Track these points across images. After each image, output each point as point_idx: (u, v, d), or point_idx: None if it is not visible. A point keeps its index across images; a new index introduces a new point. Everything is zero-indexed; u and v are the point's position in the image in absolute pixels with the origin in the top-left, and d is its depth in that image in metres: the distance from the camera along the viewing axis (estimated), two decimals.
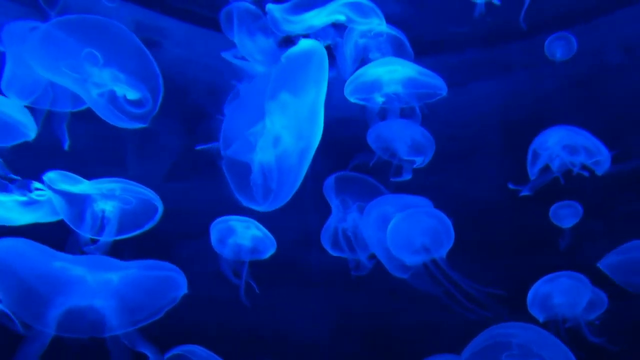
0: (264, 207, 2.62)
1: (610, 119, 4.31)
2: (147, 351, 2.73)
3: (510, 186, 4.15)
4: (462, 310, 3.48)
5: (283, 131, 2.51)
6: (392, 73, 3.90)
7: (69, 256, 2.55)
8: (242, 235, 4.48)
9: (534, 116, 4.42)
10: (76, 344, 2.53)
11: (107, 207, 3.81)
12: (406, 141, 4.08)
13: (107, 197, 3.85)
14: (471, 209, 4.13)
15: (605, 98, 4.33)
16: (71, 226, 3.69)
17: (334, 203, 4.36)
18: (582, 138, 3.97)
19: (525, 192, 4.16)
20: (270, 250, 4.56)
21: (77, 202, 3.80)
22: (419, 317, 3.63)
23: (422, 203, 3.62)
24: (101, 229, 3.78)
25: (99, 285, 2.51)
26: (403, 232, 3.51)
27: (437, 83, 3.86)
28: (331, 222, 4.44)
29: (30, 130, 2.94)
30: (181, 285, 2.66)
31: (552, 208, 4.55)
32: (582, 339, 3.86)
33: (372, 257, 4.26)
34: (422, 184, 3.82)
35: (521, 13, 3.82)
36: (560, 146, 3.97)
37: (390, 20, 3.62)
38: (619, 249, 3.73)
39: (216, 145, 4.64)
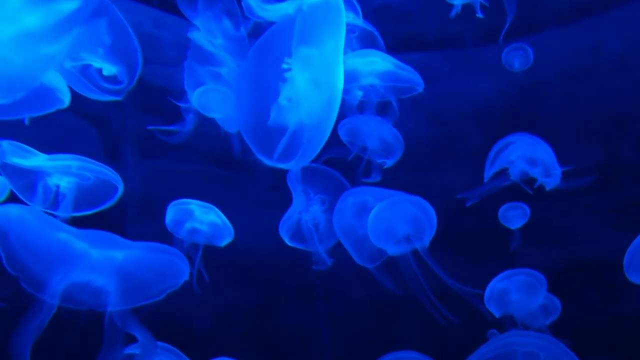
0: (294, 164, 2.57)
1: (600, 118, 4.50)
2: (138, 333, 2.61)
3: (459, 195, 4.25)
4: (433, 308, 3.54)
5: (310, 85, 2.46)
6: (371, 65, 3.91)
7: (74, 229, 2.41)
8: (200, 219, 4.36)
9: (523, 115, 4.56)
10: (73, 320, 2.39)
11: (62, 183, 3.66)
12: (376, 138, 4.11)
13: (63, 173, 3.69)
14: (449, 208, 4.19)
15: (598, 97, 4.52)
16: (21, 198, 3.51)
17: (297, 193, 4.32)
18: (544, 152, 4.12)
19: (472, 202, 4.27)
20: (226, 239, 4.46)
21: (28, 174, 3.63)
22: (418, 315, 3.65)
23: (401, 195, 3.65)
24: (55, 204, 3.62)
25: (102, 261, 2.39)
26: (386, 220, 3.52)
27: (414, 78, 3.91)
28: (292, 212, 4.39)
29: (65, 95, 2.74)
30: (183, 272, 2.58)
31: (501, 210, 4.70)
32: None
33: (331, 251, 4.26)
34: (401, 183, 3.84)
35: (519, 12, 3.94)
36: (524, 159, 4.10)
37: (384, 12, 3.64)
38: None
39: (173, 127, 4.52)
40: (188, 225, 4.35)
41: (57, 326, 2.36)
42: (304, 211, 4.32)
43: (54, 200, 3.66)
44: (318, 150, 2.56)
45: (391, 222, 3.55)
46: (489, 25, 4.10)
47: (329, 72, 2.48)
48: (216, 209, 4.36)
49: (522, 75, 4.44)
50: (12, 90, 1.90)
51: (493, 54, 4.44)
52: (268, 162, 2.57)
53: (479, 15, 3.73)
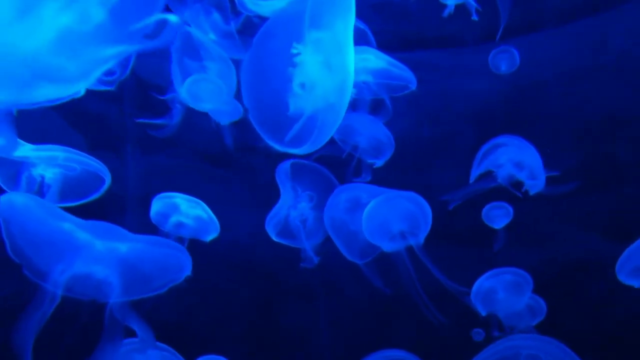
0: (307, 148, 2.53)
1: (598, 118, 4.54)
2: (137, 327, 2.57)
3: (442, 198, 4.25)
4: (425, 307, 3.54)
5: (323, 68, 2.43)
6: (364, 62, 3.91)
7: (78, 219, 2.36)
8: (186, 213, 4.31)
9: (520, 115, 4.58)
10: (73, 315, 2.34)
11: (48, 174, 3.61)
12: (367, 137, 4.09)
13: (49, 163, 3.64)
14: (442, 208, 4.19)
15: (597, 97, 4.54)
16: (4, 187, 3.45)
17: (286, 189, 4.30)
18: (531, 156, 4.14)
19: (455, 203, 4.28)
20: (212, 234, 4.41)
21: (13, 164, 3.57)
22: (419, 314, 3.66)
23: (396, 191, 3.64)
24: (40, 195, 3.57)
25: (106, 252, 2.35)
26: (381, 216, 3.51)
27: (407, 76, 3.92)
28: (279, 209, 4.36)
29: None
30: (186, 267, 2.56)
31: (484, 209, 4.72)
32: None
33: (330, 249, 4.23)
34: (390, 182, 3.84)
35: (518, 11, 3.96)
36: (512, 163, 4.12)
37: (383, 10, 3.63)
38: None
39: (161, 121, 4.45)
40: (174, 219, 4.29)
41: (58, 322, 2.31)
42: (292, 207, 4.29)
43: (39, 190, 3.60)
44: (332, 133, 2.53)
45: (386, 218, 3.54)
46: (488, 24, 4.13)
47: (341, 54, 2.45)
48: (203, 204, 4.31)
49: (519, 75, 4.47)
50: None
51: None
52: (279, 147, 2.54)
53: (474, 18, 3.76)
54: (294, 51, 2.46)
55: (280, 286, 4.76)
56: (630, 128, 4.46)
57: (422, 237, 3.55)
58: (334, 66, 2.44)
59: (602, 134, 4.50)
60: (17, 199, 2.30)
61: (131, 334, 2.64)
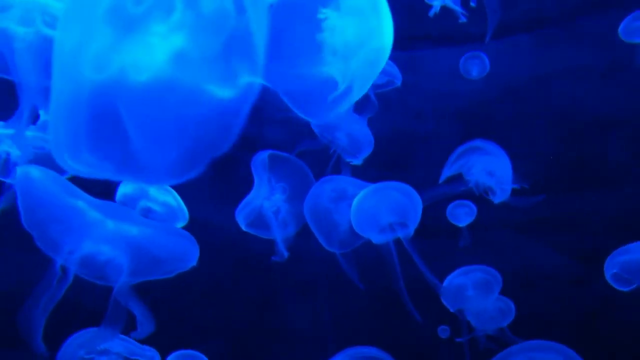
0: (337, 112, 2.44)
1: (592, 118, 4.61)
2: (138, 312, 2.48)
3: None
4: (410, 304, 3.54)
5: (358, 31, 2.34)
6: None
7: (92, 198, 2.26)
8: (155, 199, 4.15)
9: (510, 116, 4.62)
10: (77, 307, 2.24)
11: (14, 151, 3.45)
12: (347, 133, 4.06)
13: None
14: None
15: (596, 97, 4.61)
16: None
17: (262, 180, 4.22)
18: (503, 166, 4.19)
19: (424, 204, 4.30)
20: (180, 223, 4.28)
21: None
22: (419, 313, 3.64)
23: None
24: (5, 172, 3.43)
25: (117, 233, 2.26)
26: (370, 207, 3.46)
27: (393, 71, 3.92)
28: (252, 199, 4.28)
29: None
30: (193, 256, 2.51)
31: (449, 207, 4.77)
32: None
33: (289, 241, 4.17)
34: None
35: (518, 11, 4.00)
36: (484, 171, 4.17)
37: None
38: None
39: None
40: (142, 203, 4.14)
41: (64, 308, 2.20)
42: (266, 199, 4.22)
43: (4, 168, 3.46)
44: (365, 91, 2.45)
45: (376, 209, 3.50)
46: (486, 23, 4.16)
47: (377, 15, 2.37)
48: (173, 191, 4.18)
49: (513, 75, 4.53)
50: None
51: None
52: (311, 116, 2.46)
53: (463, 20, 3.78)
54: (321, 16, 2.37)
55: (280, 283, 4.67)
56: (628, 129, 4.58)
57: (412, 229, 3.52)
58: (370, 28, 2.36)
59: (597, 135, 4.60)
60: (34, 172, 2.18)
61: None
